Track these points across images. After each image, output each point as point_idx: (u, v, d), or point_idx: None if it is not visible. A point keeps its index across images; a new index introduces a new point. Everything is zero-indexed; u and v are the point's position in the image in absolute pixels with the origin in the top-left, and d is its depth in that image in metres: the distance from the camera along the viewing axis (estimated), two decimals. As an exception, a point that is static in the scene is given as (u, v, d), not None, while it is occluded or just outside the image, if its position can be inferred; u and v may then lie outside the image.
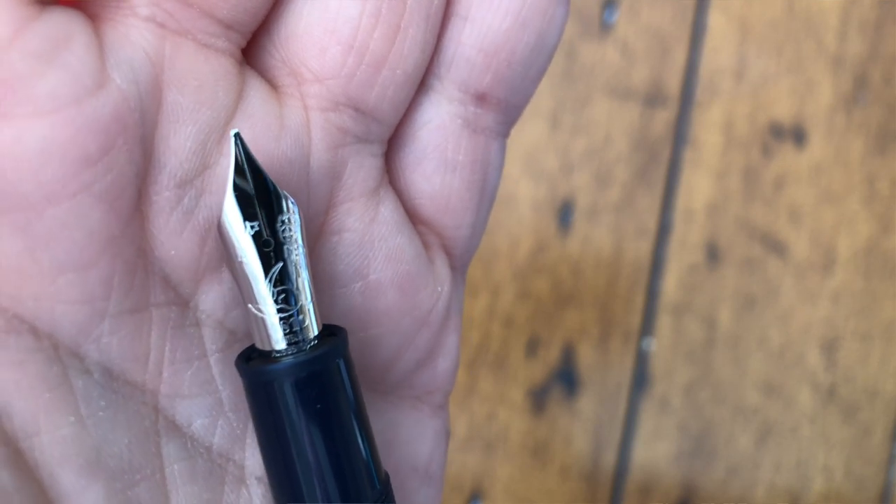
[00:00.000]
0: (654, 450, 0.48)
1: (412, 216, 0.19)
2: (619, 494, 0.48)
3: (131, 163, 0.15)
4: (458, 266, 0.20)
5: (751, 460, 0.48)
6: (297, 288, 0.16)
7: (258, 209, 0.15)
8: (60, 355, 0.15)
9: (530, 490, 0.48)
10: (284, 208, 0.16)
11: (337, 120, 0.17)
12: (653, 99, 0.47)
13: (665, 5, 0.47)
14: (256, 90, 0.16)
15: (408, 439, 0.20)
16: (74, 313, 0.15)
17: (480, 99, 0.18)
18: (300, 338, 0.16)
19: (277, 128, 0.16)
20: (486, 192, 0.19)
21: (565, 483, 0.48)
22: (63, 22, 0.14)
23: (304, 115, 0.17)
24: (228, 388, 0.17)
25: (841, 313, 0.47)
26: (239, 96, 0.16)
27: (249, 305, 0.16)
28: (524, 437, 0.48)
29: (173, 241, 0.16)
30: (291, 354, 0.15)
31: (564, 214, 0.47)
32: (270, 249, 0.15)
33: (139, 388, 0.16)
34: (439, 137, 0.18)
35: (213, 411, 0.17)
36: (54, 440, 0.15)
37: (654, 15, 0.47)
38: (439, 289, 0.19)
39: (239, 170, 0.15)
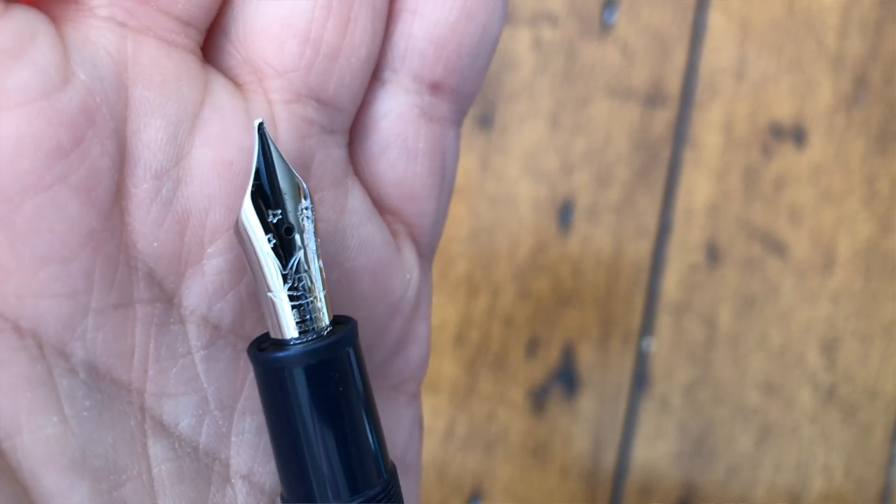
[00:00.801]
0: (654, 450, 0.48)
1: (379, 206, 0.20)
2: (619, 494, 0.48)
3: (104, 155, 0.15)
4: (425, 254, 0.21)
5: (751, 460, 0.48)
6: (313, 276, 0.16)
7: (282, 197, 0.16)
8: (45, 354, 0.15)
9: (530, 490, 0.48)
10: (304, 197, 0.16)
11: (301, 111, 0.18)
12: (653, 99, 0.47)
13: (665, 5, 0.47)
14: (221, 86, 0.17)
15: (385, 429, 0.21)
16: (58, 308, 0.15)
17: (434, 88, 0.19)
18: (312, 326, 0.16)
19: (245, 120, 0.17)
20: (445, 180, 0.20)
21: (565, 483, 0.48)
22: (27, 20, 0.15)
23: (269, 109, 0.17)
24: (213, 385, 0.17)
25: (841, 313, 0.47)
26: (204, 90, 0.17)
27: (269, 294, 0.16)
28: (524, 437, 0.48)
29: (155, 232, 0.16)
30: (304, 342, 0.16)
31: (564, 214, 0.47)
32: (291, 237, 0.16)
33: (125, 387, 0.16)
34: (400, 127, 0.19)
35: (199, 410, 0.17)
36: (37, 440, 0.15)
37: (654, 15, 0.47)
38: (408, 276, 0.20)
39: (263, 158, 0.16)
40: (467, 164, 0.47)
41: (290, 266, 0.16)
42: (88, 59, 0.15)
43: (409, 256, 0.20)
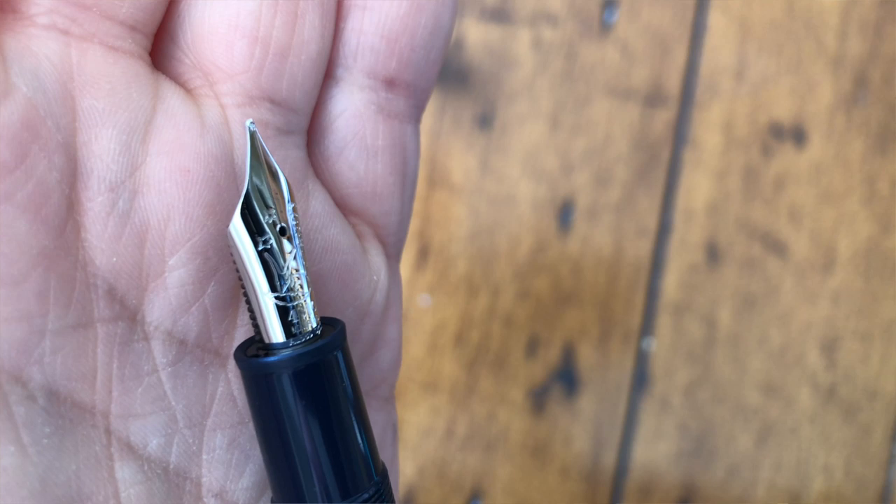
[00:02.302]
0: (654, 450, 0.48)
1: (342, 208, 0.19)
2: (619, 494, 0.48)
3: (52, 169, 0.15)
4: (392, 254, 0.21)
5: (751, 460, 0.48)
6: (301, 279, 0.16)
7: (274, 198, 0.16)
8: (0, 382, 0.15)
9: (530, 490, 0.48)
10: (291, 198, 0.16)
11: (254, 114, 0.17)
12: (653, 99, 0.47)
13: (665, 5, 0.47)
14: (172, 92, 0.17)
15: None
16: (11, 332, 0.14)
17: (390, 84, 0.19)
18: (299, 330, 0.16)
19: (199, 126, 0.16)
20: (407, 177, 0.20)
21: (565, 483, 0.48)
22: None
23: (222, 113, 0.17)
24: (181, 403, 0.17)
25: (841, 313, 0.47)
26: (155, 97, 0.16)
27: (260, 297, 0.16)
28: (524, 437, 0.48)
29: (113, 246, 0.16)
30: (291, 346, 0.16)
31: (564, 214, 0.47)
32: (285, 239, 0.16)
33: (88, 411, 0.16)
34: (357, 125, 0.19)
35: (168, 429, 0.17)
36: None
37: (654, 15, 0.47)
38: (375, 278, 0.20)
39: (254, 160, 0.16)
40: (467, 164, 0.47)
41: (284, 268, 0.16)
42: (29, 70, 0.15)
43: (376, 258, 0.20)
